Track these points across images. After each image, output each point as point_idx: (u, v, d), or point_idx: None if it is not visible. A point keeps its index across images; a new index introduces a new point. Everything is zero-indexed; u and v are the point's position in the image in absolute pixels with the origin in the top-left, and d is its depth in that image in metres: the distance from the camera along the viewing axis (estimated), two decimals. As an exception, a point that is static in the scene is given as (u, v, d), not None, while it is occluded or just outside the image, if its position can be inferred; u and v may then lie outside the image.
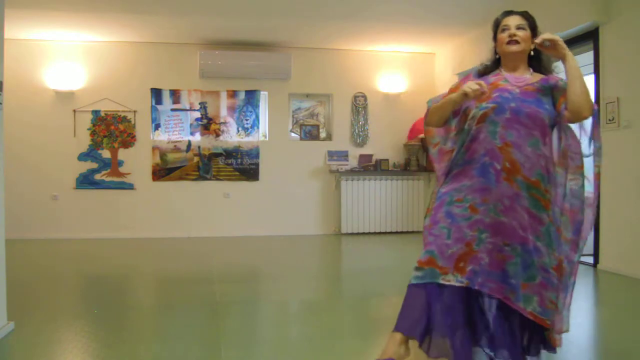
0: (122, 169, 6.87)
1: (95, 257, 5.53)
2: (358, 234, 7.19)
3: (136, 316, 3.34)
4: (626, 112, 4.41)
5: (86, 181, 6.80)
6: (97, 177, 6.83)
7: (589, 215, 2.33)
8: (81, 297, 4.00)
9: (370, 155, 7.32)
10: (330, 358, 2.56)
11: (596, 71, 4.74)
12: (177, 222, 6.90)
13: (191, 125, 6.98)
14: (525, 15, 2.26)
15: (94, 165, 6.82)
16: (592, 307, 3.71)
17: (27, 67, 6.64)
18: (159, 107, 6.93)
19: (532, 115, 2.05)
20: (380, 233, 7.24)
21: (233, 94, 7.03)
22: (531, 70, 2.21)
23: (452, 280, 2.00)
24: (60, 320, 3.18)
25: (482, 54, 6.82)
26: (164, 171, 6.93)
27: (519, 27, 2.19)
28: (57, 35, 6.57)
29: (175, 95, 6.95)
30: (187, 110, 6.98)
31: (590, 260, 4.86)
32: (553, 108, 2.12)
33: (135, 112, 6.88)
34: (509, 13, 2.25)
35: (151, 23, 6.11)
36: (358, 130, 7.35)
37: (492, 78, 2.18)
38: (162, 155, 6.93)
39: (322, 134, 7.40)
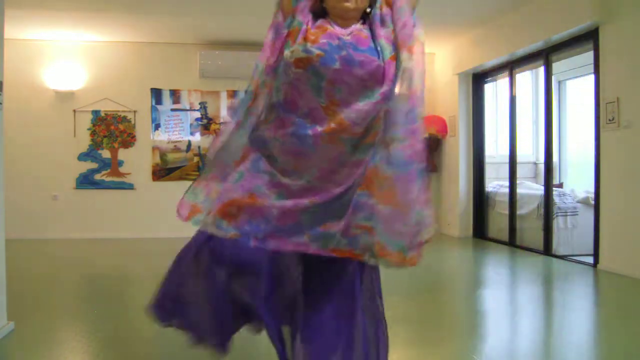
0: (122, 169, 6.87)
1: (95, 257, 5.53)
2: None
3: (136, 316, 3.34)
4: (626, 112, 4.41)
5: (86, 181, 6.80)
6: (97, 177, 6.83)
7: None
8: (81, 297, 4.00)
9: (370, 155, 7.31)
10: (330, 358, 2.56)
11: (596, 71, 4.74)
12: (177, 222, 6.86)
13: (191, 125, 6.98)
14: None
15: (94, 165, 6.81)
16: (592, 307, 3.71)
17: (27, 67, 6.64)
18: (159, 107, 6.93)
19: (365, 64, 1.62)
20: (380, 233, 7.22)
21: (233, 94, 7.03)
22: (360, 24, 1.76)
23: (211, 224, 1.63)
24: (60, 320, 3.18)
25: (482, 54, 6.84)
26: (164, 171, 6.93)
27: None
28: (57, 35, 6.57)
29: (175, 95, 6.95)
30: (187, 110, 6.98)
31: (590, 260, 4.86)
32: (381, 48, 1.70)
33: (135, 112, 6.88)
34: None
35: (151, 23, 6.11)
36: (358, 130, 7.34)
37: (319, 21, 1.72)
38: (162, 155, 6.93)
39: (322, 134, 7.40)
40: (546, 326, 3.27)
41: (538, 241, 5.68)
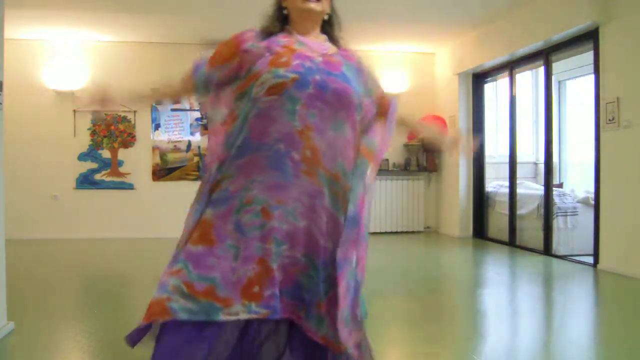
0: (122, 169, 6.87)
1: (95, 257, 5.54)
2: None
3: (136, 316, 3.34)
4: (626, 112, 4.41)
5: (86, 181, 6.80)
6: (97, 177, 6.82)
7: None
8: (81, 297, 4.00)
9: (370, 155, 7.31)
10: (330, 358, 2.56)
11: (596, 71, 4.74)
12: (177, 222, 6.86)
13: (191, 125, 6.98)
14: None
15: (94, 165, 6.81)
16: (592, 307, 3.71)
17: (27, 67, 6.64)
18: (159, 107, 6.93)
19: (339, 92, 1.61)
20: (380, 233, 7.23)
21: (233, 94, 7.02)
22: (325, 37, 1.76)
23: (242, 311, 1.49)
24: (60, 320, 3.18)
25: (482, 54, 6.83)
26: (164, 171, 6.93)
27: None
28: (57, 35, 6.57)
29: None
30: (187, 110, 6.98)
31: (590, 260, 4.86)
32: (362, 90, 1.72)
33: (135, 112, 6.88)
34: None
35: (151, 23, 6.11)
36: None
37: (282, 39, 1.67)
38: (162, 155, 6.93)
39: (322, 134, 7.40)
40: (546, 326, 3.27)
41: (538, 241, 5.68)
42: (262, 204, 1.55)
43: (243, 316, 1.50)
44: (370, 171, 1.69)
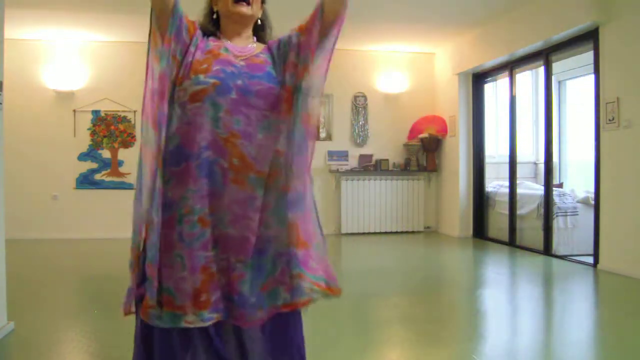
0: (122, 169, 6.87)
1: (95, 257, 5.54)
2: (358, 234, 7.18)
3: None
4: (626, 112, 4.41)
5: (86, 181, 6.80)
6: (97, 177, 6.83)
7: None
8: (81, 297, 4.01)
9: (370, 155, 7.32)
10: (329, 357, 2.56)
11: (596, 71, 4.74)
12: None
13: (191, 125, 6.98)
14: None
15: (94, 165, 6.81)
16: (592, 307, 3.71)
17: (27, 67, 6.64)
18: (159, 107, 6.92)
19: (263, 94, 1.61)
20: (380, 233, 7.23)
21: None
22: (255, 39, 1.77)
23: (196, 321, 1.53)
24: (60, 320, 3.18)
25: (482, 54, 6.83)
26: (164, 171, 6.93)
27: None
28: (57, 35, 6.57)
29: (175, 95, 6.95)
30: (187, 110, 6.98)
31: (590, 260, 4.86)
32: (282, 75, 1.68)
33: (135, 112, 6.88)
34: None
35: (151, 23, 6.11)
36: (358, 130, 7.35)
37: (211, 43, 1.69)
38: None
39: (322, 134, 7.39)
40: (546, 326, 3.27)
41: (538, 241, 5.68)
42: (199, 214, 1.56)
43: (198, 324, 1.54)
44: (308, 134, 1.65)
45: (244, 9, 1.68)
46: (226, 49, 1.67)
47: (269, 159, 1.61)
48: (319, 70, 1.69)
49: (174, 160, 1.60)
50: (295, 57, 1.68)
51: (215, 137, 1.57)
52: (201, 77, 1.58)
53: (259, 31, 1.79)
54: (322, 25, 1.69)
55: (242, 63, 1.65)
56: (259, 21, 1.78)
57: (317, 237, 1.68)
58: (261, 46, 1.76)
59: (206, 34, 1.73)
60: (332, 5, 1.70)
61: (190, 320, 1.53)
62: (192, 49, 1.64)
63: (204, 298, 1.54)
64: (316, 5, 1.71)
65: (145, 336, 1.63)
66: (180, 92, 1.60)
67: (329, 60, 1.73)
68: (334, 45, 1.75)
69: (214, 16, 1.76)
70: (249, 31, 1.75)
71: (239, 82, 1.60)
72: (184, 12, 1.66)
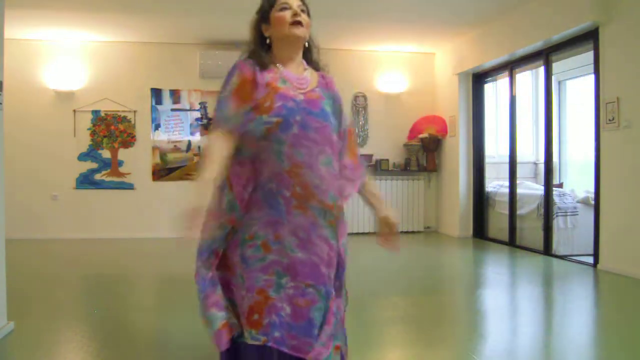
0: (122, 169, 6.87)
1: (95, 257, 5.53)
2: (358, 234, 7.18)
3: (136, 316, 3.34)
4: (626, 112, 4.41)
5: (86, 181, 6.80)
6: (97, 177, 6.83)
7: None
8: (81, 297, 4.00)
9: (370, 155, 7.32)
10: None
11: (596, 71, 4.74)
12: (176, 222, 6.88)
13: (191, 125, 6.98)
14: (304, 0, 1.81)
15: (94, 165, 6.82)
16: (592, 307, 3.71)
17: (27, 67, 6.64)
18: (159, 107, 6.93)
19: (321, 131, 1.69)
20: (380, 233, 7.22)
21: (233, 94, 7.02)
22: (305, 63, 1.82)
23: (247, 337, 1.61)
24: (60, 320, 3.18)
25: (482, 54, 6.81)
26: (164, 171, 6.93)
27: (302, 10, 1.75)
28: (57, 35, 6.57)
29: (175, 95, 6.95)
30: (187, 110, 6.98)
31: (590, 260, 4.86)
32: (337, 122, 1.78)
33: (135, 112, 6.88)
34: None
35: (151, 23, 6.11)
36: (358, 130, 7.35)
37: (268, 75, 1.71)
38: (162, 155, 6.93)
39: (322, 134, 7.40)
40: (546, 326, 3.27)
41: (538, 241, 5.68)
42: (262, 239, 1.64)
43: (248, 341, 1.61)
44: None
45: (300, 31, 1.73)
46: (284, 81, 1.72)
47: (329, 193, 1.68)
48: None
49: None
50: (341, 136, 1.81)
51: (279, 170, 1.65)
52: (264, 117, 1.64)
53: (306, 53, 1.84)
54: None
55: (301, 97, 1.71)
56: (306, 43, 1.82)
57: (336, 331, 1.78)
58: (315, 76, 1.81)
59: (259, 64, 1.73)
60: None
61: (244, 336, 1.62)
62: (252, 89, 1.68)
63: (256, 318, 1.61)
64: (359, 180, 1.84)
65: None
66: (249, 134, 1.66)
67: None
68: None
69: (267, 41, 1.78)
70: (300, 54, 1.80)
71: (298, 117, 1.67)
72: (229, 110, 1.68)
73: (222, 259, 1.70)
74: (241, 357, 1.66)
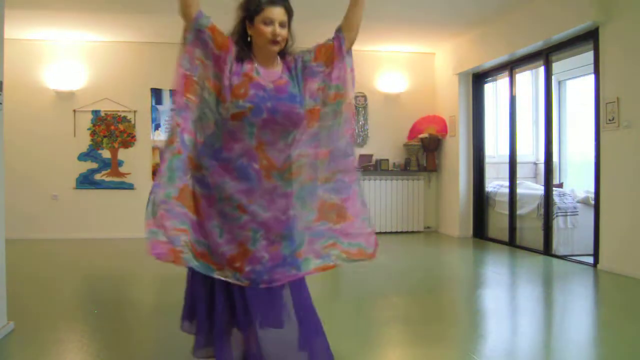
0: (122, 169, 6.87)
1: (95, 257, 5.54)
2: (358, 234, 7.18)
3: (136, 316, 3.34)
4: (626, 112, 4.41)
5: (86, 181, 6.80)
6: (97, 177, 6.83)
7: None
8: (81, 297, 4.00)
9: (370, 155, 7.32)
10: (330, 358, 2.56)
11: (596, 71, 4.74)
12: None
13: (191, 125, 6.98)
14: (287, 8, 2.07)
15: (94, 165, 6.82)
16: (592, 307, 3.71)
17: (27, 67, 6.64)
18: (159, 107, 6.93)
19: (287, 113, 2.02)
20: (380, 233, 7.23)
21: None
22: (278, 58, 2.11)
23: (230, 276, 2.01)
24: (60, 320, 3.18)
25: (482, 54, 6.82)
26: (164, 171, 6.93)
27: (282, 25, 2.03)
28: (57, 35, 6.57)
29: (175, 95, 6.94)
30: (187, 110, 6.97)
31: (590, 260, 4.86)
32: (301, 93, 2.08)
33: (135, 112, 6.88)
34: (273, 2, 2.03)
35: (151, 23, 6.11)
36: (358, 130, 7.35)
37: (246, 65, 2.04)
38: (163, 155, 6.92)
39: (322, 134, 7.40)
40: (546, 326, 3.27)
41: (538, 241, 5.68)
42: (237, 202, 2.02)
43: (230, 280, 2.01)
44: (345, 106, 2.16)
45: (276, 48, 2.05)
46: (258, 72, 2.04)
47: (285, 158, 2.05)
48: (352, 70, 2.19)
49: (214, 156, 2.03)
50: (321, 83, 2.13)
51: (249, 147, 2.01)
52: (240, 101, 1.97)
53: (282, 50, 2.11)
54: (348, 49, 2.19)
55: (270, 86, 2.03)
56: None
57: (364, 212, 2.19)
58: (281, 65, 2.11)
59: (240, 56, 2.05)
60: (354, 25, 2.26)
61: (227, 275, 2.01)
62: (227, 73, 2.00)
63: (238, 265, 2.01)
64: (336, 35, 2.20)
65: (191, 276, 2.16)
66: (223, 110, 2.00)
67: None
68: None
69: (248, 39, 2.08)
70: (276, 57, 2.11)
71: (269, 104, 2.00)
72: (209, 24, 2.06)
73: (196, 206, 2.04)
74: (214, 286, 2.06)
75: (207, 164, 2.03)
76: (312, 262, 2.09)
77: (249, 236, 2.02)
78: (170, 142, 2.05)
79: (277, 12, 2.02)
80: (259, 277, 2.01)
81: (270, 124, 2.00)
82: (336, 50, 2.14)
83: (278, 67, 2.09)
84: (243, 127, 1.99)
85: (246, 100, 1.97)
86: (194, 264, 2.00)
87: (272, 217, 2.04)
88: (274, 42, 2.02)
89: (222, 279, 2.01)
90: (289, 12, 2.08)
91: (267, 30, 2.01)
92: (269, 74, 2.06)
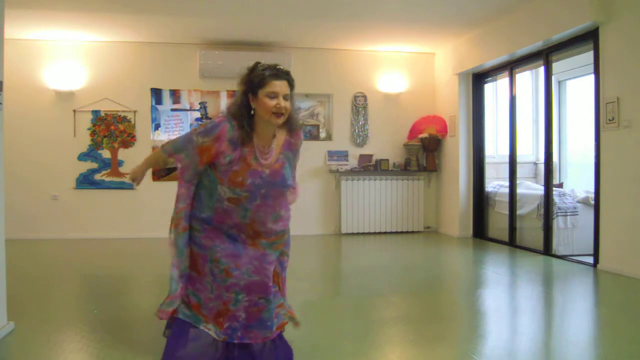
0: (122, 169, 6.87)
1: (95, 257, 5.53)
2: (358, 234, 7.19)
3: (136, 316, 3.34)
4: (626, 112, 4.41)
5: (86, 181, 6.80)
6: (97, 177, 6.83)
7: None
8: (81, 297, 4.00)
9: (370, 155, 7.32)
10: (329, 358, 2.56)
11: (596, 71, 4.74)
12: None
13: (191, 125, 6.98)
14: (290, 81, 2.19)
15: (94, 165, 6.82)
16: (592, 307, 3.71)
17: (27, 67, 6.64)
18: (159, 107, 6.93)
19: (278, 195, 2.24)
20: (380, 233, 7.24)
21: (233, 94, 7.02)
22: (280, 131, 2.27)
23: (212, 330, 2.23)
24: (60, 321, 3.18)
25: (482, 54, 6.81)
26: (164, 171, 6.93)
27: (285, 98, 2.14)
28: (57, 35, 6.57)
29: (175, 95, 6.95)
30: (187, 110, 6.97)
31: (590, 260, 4.86)
32: (292, 172, 2.32)
33: (135, 112, 6.88)
34: (277, 75, 2.14)
35: (151, 23, 6.11)
36: (358, 130, 7.35)
37: (245, 149, 2.17)
38: (162, 155, 6.92)
39: (322, 134, 7.40)
40: (546, 326, 3.27)
41: (538, 241, 5.68)
42: (224, 266, 2.21)
43: (212, 334, 2.23)
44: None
45: (280, 120, 2.16)
46: (256, 158, 2.18)
47: (272, 228, 2.27)
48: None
49: (205, 220, 2.25)
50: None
51: (241, 223, 2.22)
52: (237, 189, 2.16)
53: (286, 122, 2.25)
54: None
55: (267, 172, 2.19)
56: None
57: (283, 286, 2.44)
58: (281, 139, 2.26)
59: (241, 139, 2.15)
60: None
61: (209, 328, 2.24)
62: (223, 161, 2.15)
63: (221, 320, 2.23)
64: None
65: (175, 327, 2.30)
66: (221, 191, 2.18)
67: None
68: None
69: (252, 112, 2.18)
70: (274, 130, 2.24)
71: (263, 191, 2.19)
72: (191, 153, 2.26)
73: (192, 262, 2.28)
74: (188, 336, 2.26)
75: (199, 226, 2.26)
76: (275, 322, 2.27)
77: (231, 298, 2.21)
78: (175, 225, 2.29)
79: (281, 86, 2.12)
80: (233, 333, 2.21)
81: (263, 207, 2.21)
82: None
83: (279, 140, 2.25)
84: (237, 209, 2.19)
85: (243, 190, 2.15)
86: (186, 313, 2.25)
87: (260, 281, 2.23)
88: (278, 114, 2.13)
89: (206, 330, 2.23)
90: (292, 85, 2.20)
91: (272, 103, 2.11)
92: (267, 155, 2.21)
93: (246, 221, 2.21)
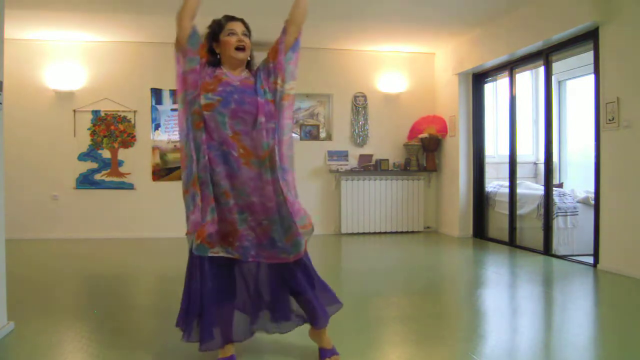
0: (122, 169, 6.87)
1: (95, 257, 5.53)
2: (358, 234, 7.19)
3: (136, 316, 3.34)
4: (626, 112, 4.41)
5: (86, 181, 6.80)
6: (97, 177, 6.83)
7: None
8: (81, 297, 4.00)
9: (370, 155, 7.32)
10: (330, 358, 2.56)
11: (596, 71, 4.74)
12: (177, 222, 6.86)
13: (191, 125, 6.98)
14: (246, 23, 2.43)
15: (94, 165, 6.82)
16: (592, 307, 3.71)
17: (27, 67, 6.64)
18: (159, 107, 6.94)
19: (252, 103, 2.31)
20: (380, 233, 7.24)
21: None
22: (247, 70, 2.43)
23: (222, 251, 2.29)
24: (60, 321, 3.18)
25: (482, 54, 6.82)
26: (164, 171, 6.94)
27: (244, 34, 2.38)
28: (57, 35, 6.57)
29: (175, 95, 6.95)
30: (187, 110, 6.97)
31: (590, 260, 4.86)
32: (263, 88, 2.37)
33: (135, 112, 6.88)
34: (232, 18, 2.41)
35: (151, 23, 6.11)
36: (358, 130, 7.35)
37: (217, 71, 2.36)
38: (162, 155, 6.93)
39: (322, 134, 7.40)
40: (546, 326, 3.27)
41: (538, 241, 5.68)
42: (224, 188, 2.29)
43: (222, 254, 2.29)
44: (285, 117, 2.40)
45: (242, 55, 2.36)
46: (226, 75, 2.36)
47: (261, 147, 2.30)
48: (292, 63, 2.42)
49: (200, 149, 2.28)
50: (272, 77, 2.39)
51: (225, 136, 2.28)
52: (209, 94, 2.28)
53: (247, 66, 2.45)
54: (288, 41, 2.42)
55: (237, 83, 2.35)
56: (248, 59, 2.43)
57: (294, 188, 2.40)
58: (249, 73, 2.43)
59: (212, 64, 2.37)
60: (295, 20, 2.42)
61: (218, 251, 2.28)
62: (201, 73, 2.30)
63: (231, 240, 2.29)
64: (282, 30, 2.43)
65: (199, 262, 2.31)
66: (197, 103, 2.27)
67: (298, 54, 2.47)
68: (300, 45, 2.49)
69: (218, 57, 2.39)
70: (242, 66, 2.41)
71: (236, 96, 2.30)
72: (199, 46, 2.32)
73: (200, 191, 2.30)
74: (207, 263, 2.29)
75: (199, 156, 2.29)
76: (301, 245, 2.30)
77: (236, 218, 2.29)
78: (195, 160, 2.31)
79: (237, 25, 2.38)
80: (246, 252, 2.30)
81: (239, 114, 2.29)
82: (277, 46, 2.40)
83: (243, 74, 2.39)
84: (215, 118, 2.27)
85: (215, 94, 2.27)
86: (195, 244, 2.25)
87: (258, 202, 2.29)
88: (239, 48, 2.34)
89: (214, 255, 2.28)
90: (248, 28, 2.42)
91: (232, 39, 2.34)
92: (236, 77, 2.37)
93: (228, 131, 2.27)
